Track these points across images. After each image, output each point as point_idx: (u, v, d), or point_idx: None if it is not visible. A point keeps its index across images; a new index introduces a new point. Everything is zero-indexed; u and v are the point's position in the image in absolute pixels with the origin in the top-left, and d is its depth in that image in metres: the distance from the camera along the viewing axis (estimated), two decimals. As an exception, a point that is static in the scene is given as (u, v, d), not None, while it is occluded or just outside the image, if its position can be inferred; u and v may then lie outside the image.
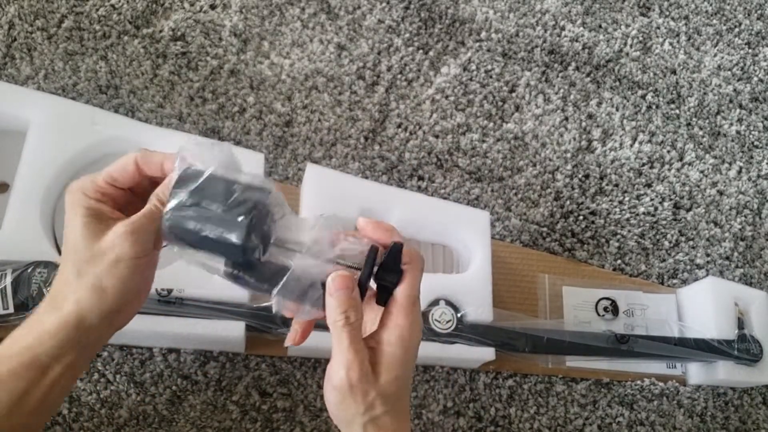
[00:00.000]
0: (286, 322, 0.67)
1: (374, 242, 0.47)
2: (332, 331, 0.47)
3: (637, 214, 0.85)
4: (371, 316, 0.51)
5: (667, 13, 1.01)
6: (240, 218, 0.44)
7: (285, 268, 0.46)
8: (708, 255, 0.85)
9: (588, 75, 0.94)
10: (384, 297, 0.48)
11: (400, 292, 0.47)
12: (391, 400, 0.47)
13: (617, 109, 0.92)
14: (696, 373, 0.76)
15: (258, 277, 0.46)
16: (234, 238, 0.43)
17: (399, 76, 0.88)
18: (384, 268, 0.47)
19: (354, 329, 0.46)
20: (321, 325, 0.67)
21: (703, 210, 0.87)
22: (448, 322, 0.69)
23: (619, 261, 0.83)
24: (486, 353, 0.69)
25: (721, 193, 0.89)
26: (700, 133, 0.93)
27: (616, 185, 0.87)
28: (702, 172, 0.90)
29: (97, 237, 0.45)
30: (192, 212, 0.44)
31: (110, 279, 0.45)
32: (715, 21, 1.02)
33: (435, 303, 0.69)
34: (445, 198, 0.82)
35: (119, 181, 0.47)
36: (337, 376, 0.46)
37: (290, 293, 0.46)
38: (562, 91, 0.92)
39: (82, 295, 0.45)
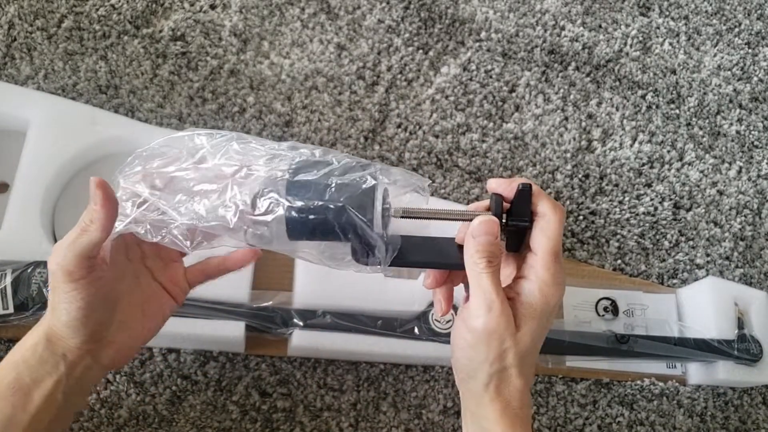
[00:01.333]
0: (286, 322, 0.67)
1: (498, 195, 0.46)
2: (472, 276, 0.45)
3: (637, 214, 0.85)
4: (505, 270, 0.50)
5: (667, 13, 1.01)
6: (365, 198, 0.43)
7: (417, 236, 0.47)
8: (708, 255, 0.85)
9: (588, 75, 0.94)
10: (515, 243, 0.47)
11: (541, 244, 0.46)
12: (522, 354, 0.45)
13: (617, 109, 0.92)
14: (696, 373, 0.76)
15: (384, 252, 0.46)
16: (365, 215, 0.43)
17: (399, 76, 0.88)
18: (513, 213, 0.46)
19: (496, 273, 0.45)
20: (322, 325, 0.67)
21: (703, 210, 0.87)
22: (448, 322, 0.69)
23: (619, 261, 0.83)
24: (486, 353, 0.69)
25: (721, 193, 0.89)
26: (700, 133, 0.93)
27: (616, 185, 0.87)
28: (702, 172, 0.90)
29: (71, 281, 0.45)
30: (306, 210, 0.43)
31: (60, 300, 0.45)
32: (715, 21, 1.02)
33: (435, 303, 0.69)
34: (444, 198, 0.82)
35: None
36: (477, 318, 0.44)
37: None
38: (562, 91, 0.91)
39: (47, 316, 0.46)
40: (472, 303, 0.45)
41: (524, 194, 0.45)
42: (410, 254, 0.47)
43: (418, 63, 0.90)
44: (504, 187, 0.47)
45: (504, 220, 0.46)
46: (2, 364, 0.46)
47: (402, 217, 0.46)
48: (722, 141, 0.93)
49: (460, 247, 0.47)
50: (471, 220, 0.46)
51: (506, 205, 0.47)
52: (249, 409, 0.68)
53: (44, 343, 0.46)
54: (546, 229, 0.46)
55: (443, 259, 0.48)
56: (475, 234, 0.45)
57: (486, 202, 0.48)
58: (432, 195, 0.82)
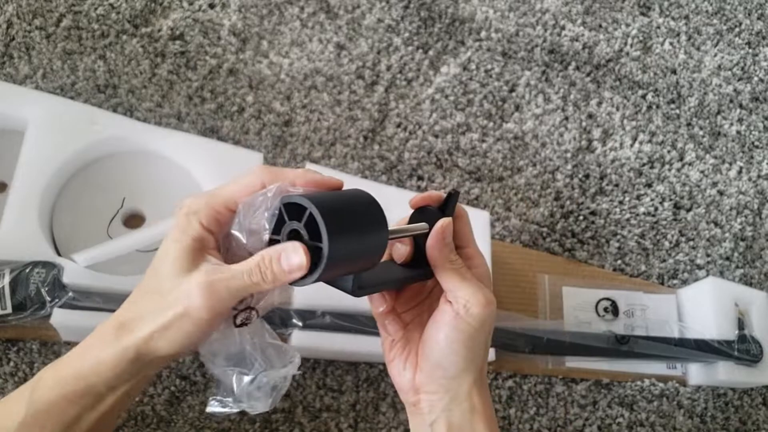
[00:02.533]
0: (285, 322, 0.67)
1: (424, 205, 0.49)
2: (453, 274, 0.47)
3: (638, 215, 0.85)
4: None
5: (668, 12, 1.01)
6: (381, 224, 0.42)
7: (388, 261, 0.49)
8: (708, 255, 0.85)
9: (588, 75, 0.93)
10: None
11: (470, 237, 0.50)
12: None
13: (617, 109, 0.92)
14: (696, 373, 0.76)
15: (371, 279, 0.46)
16: (382, 244, 0.43)
17: (398, 75, 0.88)
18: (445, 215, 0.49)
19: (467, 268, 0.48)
20: (321, 326, 0.67)
21: (704, 210, 0.87)
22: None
23: (619, 261, 0.83)
24: (486, 354, 0.69)
25: (721, 193, 0.89)
26: (701, 133, 0.92)
27: (617, 185, 0.87)
28: (702, 172, 0.90)
29: (181, 274, 0.41)
30: (345, 242, 0.40)
31: (173, 335, 0.42)
32: (715, 21, 1.02)
33: (434, 303, 0.69)
34: (444, 198, 0.82)
35: (237, 201, 0.43)
36: (476, 306, 0.46)
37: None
38: (562, 90, 0.91)
39: (143, 336, 0.42)
40: (464, 295, 0.46)
41: (455, 198, 0.49)
42: (389, 275, 0.48)
43: (417, 62, 0.89)
44: (427, 199, 0.49)
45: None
46: (67, 368, 0.44)
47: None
48: (722, 141, 0.92)
49: (400, 264, 0.50)
50: (422, 233, 0.48)
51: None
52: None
53: (131, 361, 0.43)
54: (467, 224, 0.50)
55: (411, 275, 0.49)
56: (447, 237, 0.47)
57: (405, 218, 0.51)
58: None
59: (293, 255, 0.40)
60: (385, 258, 0.47)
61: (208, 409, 0.46)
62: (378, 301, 0.48)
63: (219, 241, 0.44)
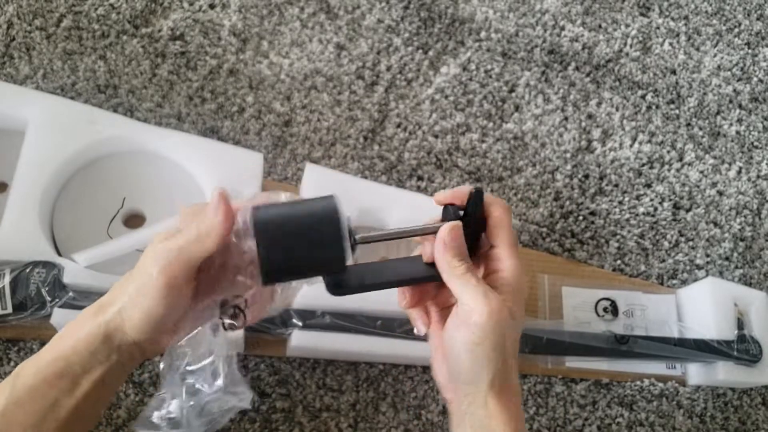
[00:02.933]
0: (285, 322, 0.67)
1: (450, 204, 0.48)
2: (456, 279, 0.46)
3: (637, 215, 0.85)
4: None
5: (667, 13, 1.01)
6: (335, 234, 0.43)
7: (378, 262, 0.48)
8: (708, 255, 0.85)
9: (588, 75, 0.93)
10: (469, 246, 0.47)
11: (503, 237, 0.47)
12: (516, 342, 0.46)
13: (617, 110, 0.92)
14: (695, 373, 0.76)
15: (355, 280, 0.47)
16: (337, 253, 0.44)
17: (398, 75, 0.88)
18: (468, 216, 0.47)
19: (475, 272, 0.46)
20: (321, 326, 0.67)
21: (703, 210, 0.87)
22: (447, 322, 0.69)
23: (618, 261, 0.83)
24: (485, 354, 0.69)
25: (720, 193, 0.89)
26: (700, 133, 0.93)
27: (616, 185, 0.87)
28: (702, 172, 0.90)
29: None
30: (283, 251, 0.43)
31: (136, 306, 0.45)
32: (714, 21, 1.02)
33: (434, 303, 0.69)
34: (444, 198, 0.82)
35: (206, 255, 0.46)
36: (478, 313, 0.44)
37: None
38: (561, 91, 0.91)
39: (113, 311, 0.45)
40: (467, 301, 0.45)
41: (478, 197, 0.47)
42: (378, 277, 0.48)
43: (417, 63, 0.90)
44: (451, 196, 0.49)
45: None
46: (48, 353, 0.46)
47: (363, 243, 0.46)
48: (722, 141, 0.93)
49: (426, 263, 0.48)
50: (433, 232, 0.47)
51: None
52: (248, 410, 0.67)
53: (102, 337, 0.45)
54: (501, 223, 0.48)
55: (413, 275, 0.49)
56: (448, 241, 0.46)
57: (437, 215, 0.50)
58: (431, 195, 0.82)
59: (218, 207, 0.44)
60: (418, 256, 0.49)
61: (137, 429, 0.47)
62: (399, 296, 0.51)
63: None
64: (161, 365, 0.51)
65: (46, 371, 0.45)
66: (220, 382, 0.48)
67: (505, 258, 0.47)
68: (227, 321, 0.47)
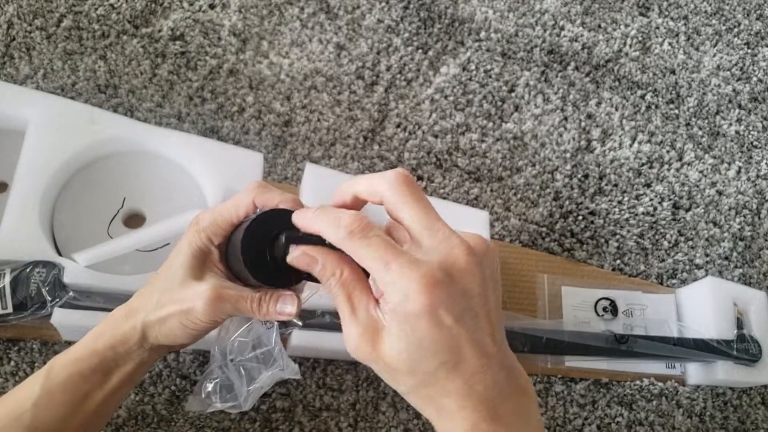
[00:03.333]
0: (285, 322, 0.67)
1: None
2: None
3: (636, 214, 0.85)
4: None
5: (667, 13, 1.01)
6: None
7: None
8: (707, 255, 0.85)
9: (587, 75, 0.94)
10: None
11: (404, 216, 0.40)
12: (411, 372, 0.38)
13: (616, 109, 0.92)
14: (695, 373, 0.76)
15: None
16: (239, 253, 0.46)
17: (398, 75, 0.88)
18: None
19: (344, 287, 0.40)
20: (321, 325, 0.67)
21: (702, 210, 0.87)
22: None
23: (618, 261, 0.83)
24: (485, 353, 0.69)
25: (720, 193, 0.89)
26: (700, 133, 0.93)
27: (616, 185, 0.87)
28: (701, 172, 0.90)
29: (190, 279, 0.47)
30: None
31: (173, 325, 0.47)
32: (714, 21, 1.02)
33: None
34: (444, 198, 0.82)
35: (237, 218, 0.48)
36: (347, 341, 0.40)
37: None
38: (561, 91, 0.91)
39: (149, 320, 0.48)
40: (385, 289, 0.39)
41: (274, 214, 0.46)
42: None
43: (417, 63, 0.90)
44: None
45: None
46: (83, 349, 0.48)
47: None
48: (721, 141, 0.93)
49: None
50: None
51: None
52: (248, 409, 0.67)
53: (138, 339, 0.48)
54: (394, 202, 0.40)
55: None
56: (304, 269, 0.43)
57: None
58: (431, 195, 0.82)
59: (289, 304, 0.46)
60: None
61: (195, 408, 0.52)
62: None
63: (222, 252, 0.49)
64: (212, 351, 0.55)
65: (81, 365, 0.48)
66: (276, 370, 0.51)
67: (385, 266, 0.38)
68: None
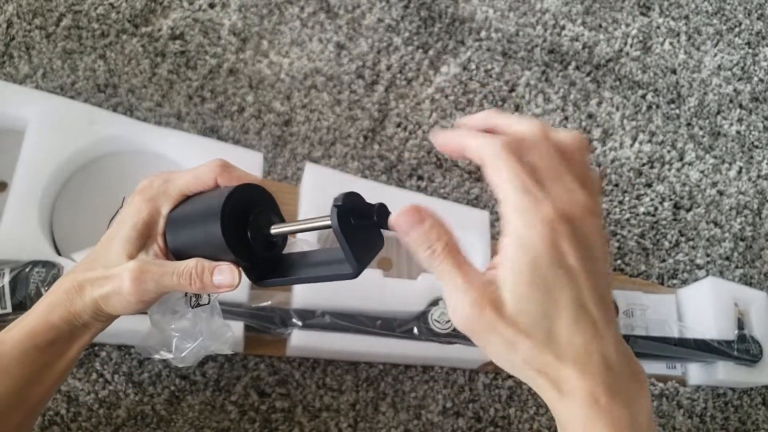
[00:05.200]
0: (285, 322, 0.67)
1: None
2: (432, 270, 0.38)
3: (637, 214, 0.85)
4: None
5: (668, 12, 1.01)
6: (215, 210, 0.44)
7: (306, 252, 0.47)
8: (708, 255, 0.85)
9: (588, 74, 0.93)
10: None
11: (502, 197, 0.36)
12: (532, 330, 0.36)
13: (617, 109, 0.92)
14: (696, 373, 0.76)
15: (280, 271, 0.46)
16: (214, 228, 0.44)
17: (398, 75, 0.88)
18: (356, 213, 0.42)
19: (449, 255, 0.37)
20: (321, 325, 0.67)
21: (703, 210, 0.87)
22: (447, 322, 0.69)
23: (619, 261, 0.83)
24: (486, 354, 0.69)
25: (721, 193, 0.89)
26: (700, 133, 0.92)
27: (616, 185, 0.87)
28: (702, 172, 0.90)
29: (124, 256, 0.46)
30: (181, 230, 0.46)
31: (116, 301, 0.46)
32: (715, 21, 1.02)
33: (435, 303, 0.69)
34: (444, 198, 0.82)
35: (191, 191, 0.48)
36: (454, 313, 0.37)
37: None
38: (562, 90, 0.91)
39: (96, 295, 0.47)
40: (445, 298, 0.38)
41: (382, 213, 0.42)
42: (306, 271, 0.46)
43: (417, 62, 0.89)
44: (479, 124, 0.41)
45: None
46: (36, 323, 0.47)
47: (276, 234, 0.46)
48: (722, 141, 0.92)
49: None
50: (327, 225, 0.42)
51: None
52: (247, 410, 0.67)
53: (91, 312, 0.47)
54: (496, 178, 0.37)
55: (340, 271, 0.45)
56: (403, 232, 0.39)
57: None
58: (431, 195, 0.82)
59: (228, 273, 0.45)
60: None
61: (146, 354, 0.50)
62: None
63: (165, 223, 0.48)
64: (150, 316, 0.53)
65: (37, 339, 0.47)
66: (201, 339, 0.50)
67: (503, 223, 0.36)
68: (192, 300, 0.49)
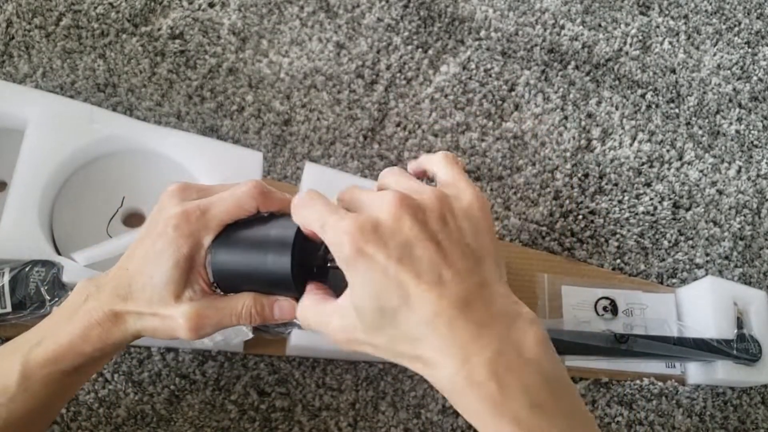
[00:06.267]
0: (285, 322, 0.67)
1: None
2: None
3: (637, 214, 0.85)
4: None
5: (667, 12, 1.01)
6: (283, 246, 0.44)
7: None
8: (707, 254, 0.85)
9: (587, 74, 0.93)
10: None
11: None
12: (369, 335, 0.41)
13: (617, 108, 0.92)
14: (695, 372, 0.76)
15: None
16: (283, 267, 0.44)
17: (398, 74, 0.88)
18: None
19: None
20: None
21: (703, 209, 0.87)
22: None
23: (618, 260, 0.83)
24: (485, 353, 0.69)
25: (720, 192, 0.89)
26: (700, 132, 0.92)
27: (616, 184, 0.87)
28: (701, 171, 0.90)
29: (170, 297, 0.45)
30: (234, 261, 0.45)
31: (162, 336, 0.47)
32: (714, 20, 1.02)
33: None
34: (444, 197, 0.82)
35: (232, 220, 0.47)
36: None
37: None
38: (561, 90, 0.91)
39: (139, 328, 0.47)
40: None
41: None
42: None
43: (417, 62, 0.89)
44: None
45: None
46: (67, 350, 0.47)
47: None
48: (722, 140, 0.93)
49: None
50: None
51: None
52: (247, 409, 0.67)
53: (130, 340, 0.49)
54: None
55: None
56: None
57: None
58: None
59: (288, 309, 0.46)
60: None
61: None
62: None
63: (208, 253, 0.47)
64: None
65: (65, 365, 0.47)
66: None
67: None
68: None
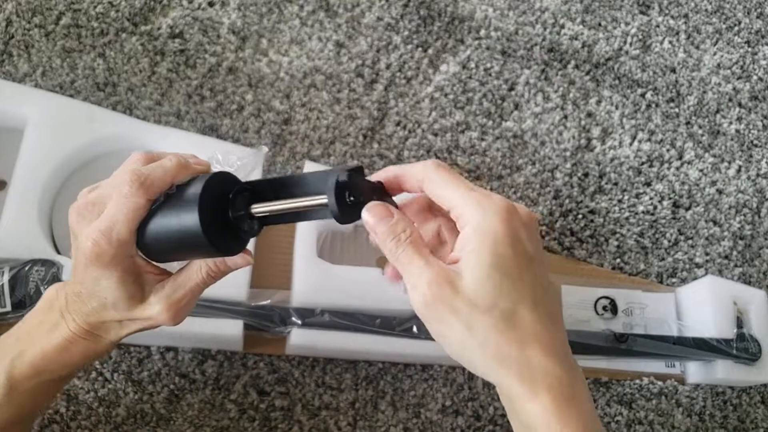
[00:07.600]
0: (285, 321, 0.67)
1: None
2: (392, 261, 0.40)
3: (636, 213, 0.85)
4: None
5: (667, 11, 1.01)
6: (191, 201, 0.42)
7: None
8: (707, 254, 0.85)
9: (587, 73, 0.93)
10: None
11: (442, 190, 0.40)
12: (492, 309, 0.37)
13: (617, 108, 0.92)
14: (695, 372, 0.76)
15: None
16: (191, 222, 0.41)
17: (398, 74, 0.88)
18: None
19: (413, 244, 0.39)
20: (320, 324, 0.67)
21: (702, 209, 0.87)
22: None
23: (618, 260, 0.83)
24: (485, 352, 0.69)
25: (720, 191, 0.89)
26: (700, 131, 0.92)
27: (616, 184, 0.87)
28: (701, 170, 0.90)
29: (137, 302, 0.45)
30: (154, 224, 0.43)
31: (146, 331, 0.47)
32: (714, 19, 1.02)
33: (434, 302, 0.69)
34: (443, 196, 0.82)
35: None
36: (413, 296, 0.38)
37: None
38: (561, 89, 0.91)
39: (120, 335, 0.47)
40: (405, 281, 0.40)
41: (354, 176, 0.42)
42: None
43: (417, 61, 0.89)
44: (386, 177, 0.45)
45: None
46: (53, 363, 0.47)
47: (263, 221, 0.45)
48: (722, 140, 0.93)
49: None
50: (323, 205, 0.42)
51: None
52: (247, 408, 0.67)
53: (118, 342, 0.48)
54: (431, 179, 0.41)
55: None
56: (372, 226, 0.41)
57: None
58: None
59: (240, 260, 0.45)
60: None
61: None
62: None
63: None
64: None
65: (51, 376, 0.47)
66: None
67: (454, 210, 0.40)
68: None
